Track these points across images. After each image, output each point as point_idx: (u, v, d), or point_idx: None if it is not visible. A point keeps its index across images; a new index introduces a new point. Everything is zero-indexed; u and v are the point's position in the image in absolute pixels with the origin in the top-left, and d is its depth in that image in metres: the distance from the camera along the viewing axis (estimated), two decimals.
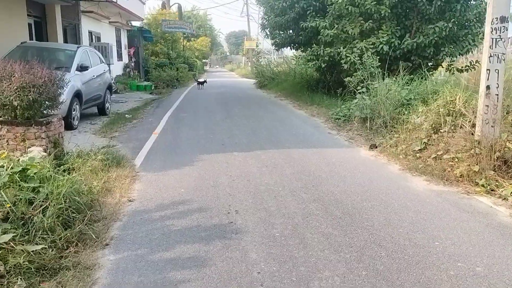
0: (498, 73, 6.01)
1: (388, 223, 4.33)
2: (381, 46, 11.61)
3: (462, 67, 12.63)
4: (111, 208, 4.81)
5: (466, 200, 5.06)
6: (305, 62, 13.44)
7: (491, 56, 6.06)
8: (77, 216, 4.18)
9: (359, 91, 9.94)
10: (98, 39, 22.02)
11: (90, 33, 20.89)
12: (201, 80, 22.85)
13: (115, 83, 20.10)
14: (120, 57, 26.29)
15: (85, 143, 7.49)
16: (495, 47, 6.05)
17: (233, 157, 7.08)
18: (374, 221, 4.37)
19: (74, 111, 10.05)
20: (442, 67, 12.90)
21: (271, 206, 4.82)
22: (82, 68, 10.89)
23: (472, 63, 12.53)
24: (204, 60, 59.99)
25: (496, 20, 6.02)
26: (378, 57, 11.20)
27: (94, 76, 11.68)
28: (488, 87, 6.08)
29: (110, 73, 23.50)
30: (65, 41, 18.27)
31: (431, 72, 11.65)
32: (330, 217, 4.49)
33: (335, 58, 12.67)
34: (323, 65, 13.29)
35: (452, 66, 12.83)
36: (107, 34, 23.41)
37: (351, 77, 10.88)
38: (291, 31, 14.45)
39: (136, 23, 31.18)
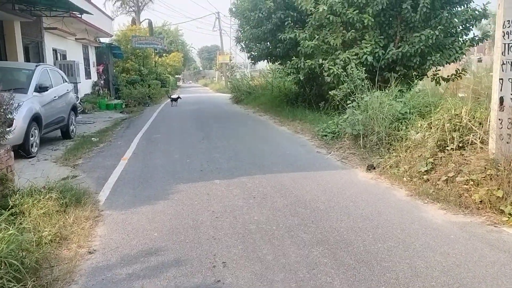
0: None
1: (415, 273, 3.45)
2: (365, 56, 10.93)
3: (448, 75, 12.08)
4: (66, 265, 3.79)
5: (495, 233, 4.24)
6: (285, 75, 12.61)
7: (503, 63, 5.34)
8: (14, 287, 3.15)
9: (348, 105, 9.17)
10: (64, 57, 20.82)
11: (55, 50, 19.68)
12: (174, 96, 21.83)
13: (81, 103, 18.90)
14: (88, 75, 25.09)
15: (43, 174, 6.40)
16: (508, 53, 5.34)
17: (215, 186, 6.13)
18: (397, 271, 3.48)
19: (32, 137, 8.94)
20: (428, 77, 12.31)
21: (267, 254, 3.89)
22: (41, 89, 9.81)
23: (458, 72, 12.00)
24: (177, 76, 58.94)
25: (508, 23, 5.31)
26: (364, 68, 10.50)
27: (55, 97, 10.58)
28: (501, 99, 5.34)
29: (78, 92, 22.31)
30: (27, 60, 17.07)
31: (414, 82, 11.05)
32: (342, 267, 3.59)
33: (316, 71, 11.93)
34: (303, 78, 12.55)
35: (437, 75, 12.27)
36: (74, 51, 22.23)
37: (335, 90, 10.11)
38: (268, 43, 13.65)
39: (105, 40, 30.00)
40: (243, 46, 15.86)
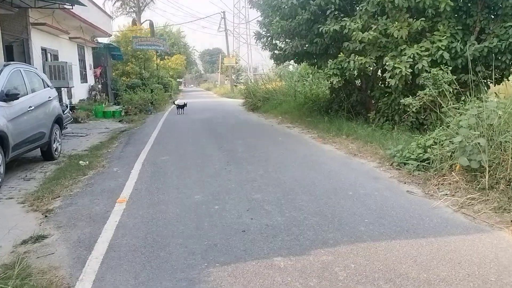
0: None
1: None
2: (440, 52, 8.19)
3: None
4: None
5: None
6: (326, 77, 9.88)
7: None
8: None
9: (426, 119, 6.46)
10: (55, 57, 18.12)
11: (44, 50, 16.98)
12: (180, 102, 19.10)
13: (72, 111, 16.17)
14: (84, 78, 22.41)
15: None
16: None
17: (278, 275, 3.39)
18: None
19: None
20: (508, 80, 9.58)
21: None
22: (9, 97, 7.11)
23: None
24: (178, 80, 56.29)
25: None
26: (437, 68, 7.80)
27: (31, 107, 7.87)
28: None
29: (72, 97, 19.60)
30: (10, 60, 14.40)
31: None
32: None
33: (368, 71, 9.24)
34: (341, 83, 9.86)
35: None
36: (67, 51, 19.52)
37: (411, 98, 7.39)
38: (301, 39, 10.87)
39: (104, 40, 27.28)
40: (265, 44, 13.11)
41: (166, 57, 42.98)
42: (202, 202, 5.43)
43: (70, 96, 19.39)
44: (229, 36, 40.92)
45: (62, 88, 17.86)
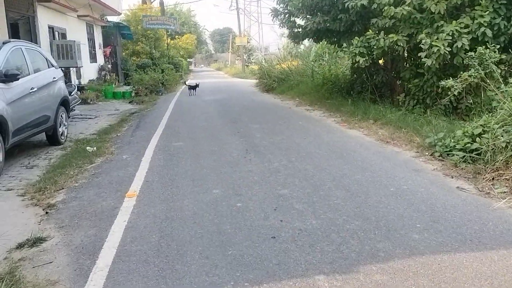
0: None
1: None
2: (482, 30, 7.33)
3: None
4: None
5: None
6: (351, 56, 9.04)
7: None
8: None
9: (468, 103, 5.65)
10: (63, 36, 17.40)
11: (51, 28, 16.25)
12: (192, 83, 18.35)
13: (80, 92, 15.50)
14: (93, 58, 21.72)
15: None
16: None
17: None
18: None
19: None
20: None
21: None
22: (8, 77, 6.45)
23: None
24: (189, 60, 55.34)
25: None
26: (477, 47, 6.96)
27: (33, 88, 7.21)
28: None
29: (80, 77, 18.93)
30: (16, 38, 13.74)
31: None
32: None
33: (398, 50, 8.42)
34: (377, 59, 9.04)
35: None
36: (76, 30, 18.78)
37: (452, 80, 6.57)
38: (323, 15, 9.98)
39: (113, 18, 26.43)
40: (283, 20, 12.23)
41: (176, 36, 42.02)
42: (221, 197, 4.75)
43: (79, 76, 18.74)
44: (241, 15, 39.75)
45: (71, 68, 17.22)
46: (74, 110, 11.32)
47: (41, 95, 7.55)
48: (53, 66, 8.65)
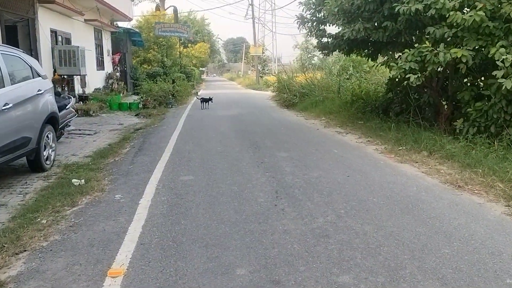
0: None
1: None
2: None
3: None
4: None
5: None
6: (399, 73, 7.36)
7: None
8: None
9: None
10: (67, 41, 15.99)
11: (54, 32, 14.84)
12: (205, 96, 16.81)
13: (83, 102, 14.02)
14: (101, 65, 20.32)
15: None
16: None
17: None
18: None
19: None
20: None
21: None
22: None
23: None
24: (201, 69, 54.10)
25: None
26: None
27: (7, 104, 5.70)
28: None
29: (85, 85, 17.46)
30: (14, 43, 12.36)
31: None
32: None
33: (458, 66, 6.76)
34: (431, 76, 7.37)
35: None
36: (82, 35, 17.38)
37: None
38: (364, 22, 8.31)
39: (124, 24, 25.08)
40: (311, 29, 10.64)
41: (189, 45, 40.76)
42: (249, 285, 3.09)
43: (83, 84, 17.30)
44: (255, 24, 38.33)
45: (75, 76, 15.80)
46: (69, 125, 9.77)
47: (18, 112, 5.99)
48: (39, 76, 7.10)
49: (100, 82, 19.74)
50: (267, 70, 43.53)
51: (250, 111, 14.83)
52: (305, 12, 10.85)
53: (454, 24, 6.51)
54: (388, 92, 11.05)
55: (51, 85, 7.56)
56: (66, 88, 15.31)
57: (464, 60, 6.56)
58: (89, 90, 17.77)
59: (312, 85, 15.14)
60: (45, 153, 6.86)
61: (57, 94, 9.22)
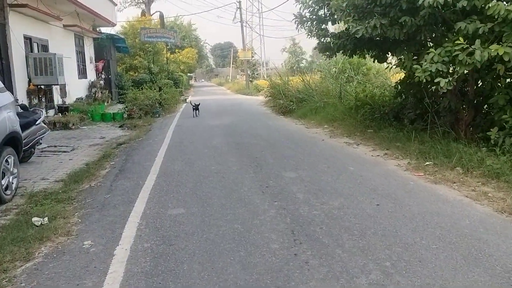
0: None
1: None
2: None
3: None
4: None
5: None
6: (425, 75, 6.18)
7: None
8: None
9: None
10: (44, 48, 14.61)
11: (29, 39, 13.46)
12: (196, 102, 15.60)
13: (63, 114, 12.68)
14: (83, 73, 18.93)
15: None
16: None
17: None
18: None
19: None
20: None
21: None
22: None
23: None
24: (189, 74, 52.75)
25: None
26: None
27: None
28: None
29: (66, 95, 16.10)
30: None
31: None
32: None
33: (495, 67, 5.62)
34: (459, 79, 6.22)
35: None
36: (61, 42, 16.01)
37: None
38: (379, 17, 7.11)
39: (108, 30, 23.71)
40: (311, 28, 9.48)
41: (176, 50, 39.45)
42: None
43: (64, 94, 15.93)
44: (244, 28, 37.14)
45: (54, 86, 14.44)
46: (41, 143, 8.47)
47: None
48: None
49: (82, 91, 18.36)
50: (256, 74, 42.37)
51: (243, 119, 13.59)
52: (303, 11, 9.67)
53: (495, 17, 5.36)
54: (397, 96, 9.93)
55: (12, 99, 6.25)
56: (43, 99, 13.94)
57: (506, 59, 5.42)
58: (70, 100, 16.41)
59: (310, 89, 13.92)
60: (3, 182, 5.57)
61: (23, 108, 7.92)
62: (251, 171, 6.49)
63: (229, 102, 23.12)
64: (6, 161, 5.70)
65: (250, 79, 37.32)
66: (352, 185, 5.57)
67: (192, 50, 41.53)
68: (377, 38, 8.10)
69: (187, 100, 22.55)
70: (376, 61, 9.97)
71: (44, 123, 8.62)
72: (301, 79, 14.87)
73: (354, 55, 10.17)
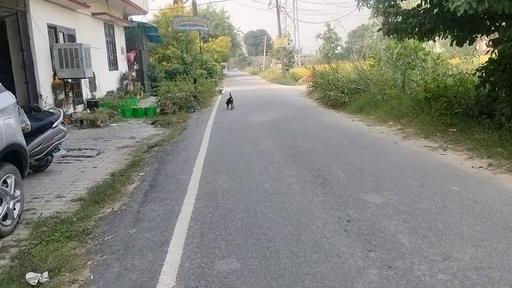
0: None
1: None
2: None
3: None
4: None
5: None
6: None
7: None
8: None
9: None
10: (71, 38, 13.42)
11: (53, 28, 12.27)
12: (229, 95, 14.24)
13: (92, 110, 11.43)
14: (114, 64, 17.76)
15: None
16: None
17: None
18: None
19: None
20: None
21: None
22: None
23: None
24: (222, 63, 51.40)
25: None
26: None
27: None
28: None
29: (96, 88, 14.96)
30: (1, 42, 9.95)
31: None
32: None
33: None
34: None
35: None
36: (89, 31, 14.82)
37: None
38: None
39: (139, 18, 22.47)
40: (378, 4, 7.71)
41: (210, 39, 38.05)
42: None
43: (93, 88, 14.77)
44: (279, 13, 35.19)
45: (82, 79, 13.26)
46: (59, 149, 7.16)
47: None
48: None
49: (113, 84, 17.21)
50: (293, 62, 40.48)
51: (290, 115, 11.93)
52: None
53: None
54: (480, 86, 8.06)
55: (12, 100, 4.86)
56: (70, 94, 12.78)
57: None
58: (100, 93, 15.26)
59: (366, 79, 12.03)
60: (0, 210, 4.22)
61: (35, 109, 6.60)
62: (318, 192, 4.88)
63: (267, 93, 21.48)
64: (4, 182, 4.35)
65: (286, 67, 35.47)
66: (472, 220, 3.88)
67: (226, 38, 40.01)
68: (465, 16, 6.26)
69: (223, 92, 21.14)
70: (454, 44, 8.11)
71: (64, 125, 7.30)
72: (354, 67, 13.00)
73: (424, 38, 8.33)
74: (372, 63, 14.14)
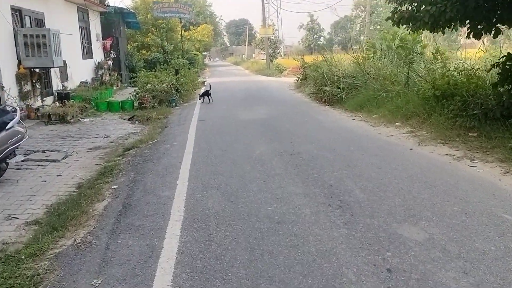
0: None
1: None
2: None
3: None
4: None
5: None
6: None
7: None
8: None
9: None
10: (39, 23, 12.00)
11: (18, 11, 10.86)
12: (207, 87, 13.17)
13: (62, 103, 10.08)
14: (88, 52, 16.34)
15: None
16: None
17: None
18: None
19: None
20: None
21: None
22: None
23: None
24: (204, 53, 49.88)
25: None
26: None
27: None
28: None
29: (67, 78, 13.57)
30: None
31: None
32: None
33: None
34: None
35: None
36: (60, 16, 13.40)
37: None
38: None
39: (116, 3, 20.86)
40: None
41: (191, 27, 36.54)
42: None
43: (64, 78, 13.41)
44: (264, 2, 33.90)
45: (51, 68, 11.89)
46: (15, 154, 5.95)
47: None
48: None
49: (87, 74, 15.81)
50: (277, 53, 39.31)
51: (281, 111, 10.85)
52: None
53: None
54: (497, 85, 7.15)
55: None
56: (37, 85, 11.41)
57: None
58: (73, 84, 13.91)
59: (365, 73, 10.98)
60: None
61: None
62: (338, 221, 3.85)
63: (253, 85, 20.33)
64: None
65: (271, 58, 34.31)
66: None
67: (208, 27, 38.53)
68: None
69: (205, 83, 19.95)
70: (471, 36, 7.15)
71: (21, 125, 6.08)
72: (353, 60, 11.93)
73: (439, 29, 7.34)
74: (367, 55, 13.13)
